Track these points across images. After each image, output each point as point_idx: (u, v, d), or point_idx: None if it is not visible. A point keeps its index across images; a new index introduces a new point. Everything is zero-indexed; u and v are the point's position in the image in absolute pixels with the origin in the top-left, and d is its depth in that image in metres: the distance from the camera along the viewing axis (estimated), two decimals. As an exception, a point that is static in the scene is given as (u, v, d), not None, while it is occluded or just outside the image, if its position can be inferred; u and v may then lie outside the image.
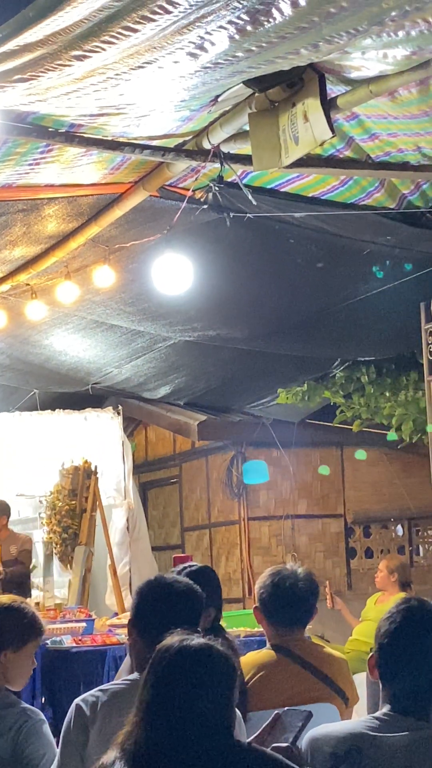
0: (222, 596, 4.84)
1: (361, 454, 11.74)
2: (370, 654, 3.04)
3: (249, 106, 5.21)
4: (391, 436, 10.52)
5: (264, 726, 2.96)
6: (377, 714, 2.95)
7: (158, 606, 3.43)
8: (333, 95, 4.98)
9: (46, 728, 3.82)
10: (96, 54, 3.99)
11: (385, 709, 2.95)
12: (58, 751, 3.47)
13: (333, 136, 4.96)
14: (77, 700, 3.44)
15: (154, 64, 4.20)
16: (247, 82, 4.91)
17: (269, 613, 4.33)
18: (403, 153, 5.75)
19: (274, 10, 3.68)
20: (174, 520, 13.42)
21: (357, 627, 9.20)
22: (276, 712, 3.01)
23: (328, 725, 3.01)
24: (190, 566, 4.73)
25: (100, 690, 3.46)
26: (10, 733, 3.75)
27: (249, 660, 4.33)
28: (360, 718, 3.07)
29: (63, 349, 10.01)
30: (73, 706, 3.43)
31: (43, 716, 3.86)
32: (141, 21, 3.68)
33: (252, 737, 2.92)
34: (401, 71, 4.60)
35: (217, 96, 5.08)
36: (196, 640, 2.61)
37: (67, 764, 3.38)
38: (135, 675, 3.45)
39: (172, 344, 9.69)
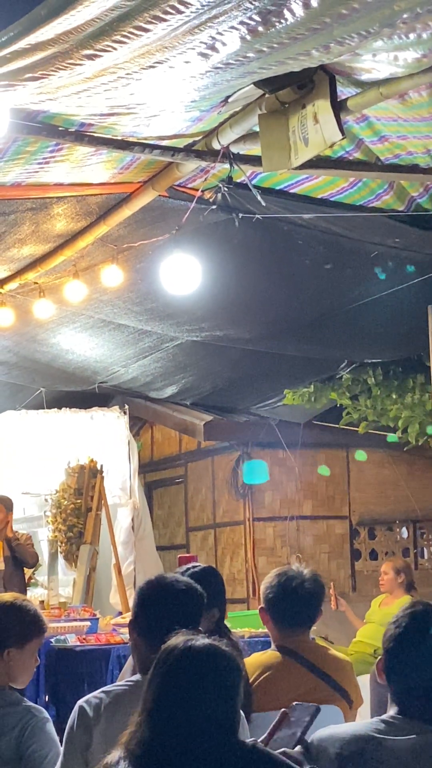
0: (226, 597, 4.84)
1: (361, 455, 11.75)
2: (378, 657, 3.04)
3: (259, 107, 5.21)
4: (392, 437, 10.51)
5: (273, 723, 2.96)
6: (384, 717, 2.95)
7: (159, 606, 3.43)
8: (343, 97, 4.98)
9: (50, 727, 3.82)
10: (107, 53, 3.99)
11: (392, 712, 2.95)
12: (61, 751, 3.47)
13: (343, 138, 4.96)
14: (80, 702, 3.44)
15: (165, 64, 4.20)
16: (258, 83, 4.91)
17: (275, 613, 4.33)
18: (413, 155, 5.75)
19: (285, 11, 3.68)
20: (179, 520, 13.42)
21: (361, 629, 9.20)
22: (283, 709, 3.01)
23: (333, 726, 3.01)
24: (193, 567, 4.73)
25: (103, 692, 3.46)
26: (14, 731, 3.76)
27: (254, 661, 4.33)
28: (365, 720, 3.07)
29: (70, 348, 10.01)
30: (76, 707, 3.43)
31: (47, 714, 3.87)
32: (152, 21, 3.68)
33: (262, 737, 2.92)
34: (412, 74, 4.60)
35: (228, 97, 5.08)
36: (201, 640, 2.61)
37: (71, 766, 3.38)
38: (137, 676, 3.46)
39: (179, 344, 9.69)
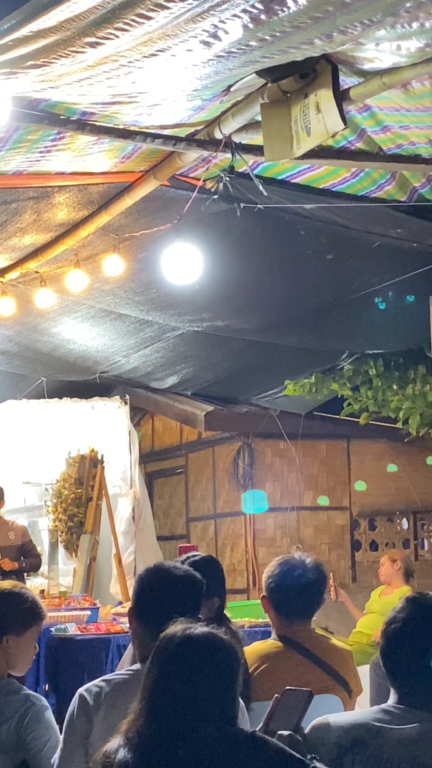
0: (226, 586, 4.84)
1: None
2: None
3: (261, 96, 5.20)
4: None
5: (267, 711, 2.96)
6: (384, 706, 2.95)
7: (158, 594, 3.44)
8: (346, 86, 4.96)
9: (50, 715, 3.83)
10: (109, 41, 3.98)
11: (392, 701, 2.96)
12: (61, 738, 3.47)
13: (345, 128, 4.95)
14: (80, 690, 3.44)
15: (167, 52, 4.19)
16: (260, 72, 4.90)
17: (276, 602, 4.32)
18: (415, 146, 5.74)
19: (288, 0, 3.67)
20: (179, 510, 13.43)
21: (361, 619, 9.21)
22: (276, 696, 3.00)
23: (333, 715, 3.01)
24: (193, 555, 4.73)
25: (104, 680, 3.47)
26: (14, 719, 3.76)
27: (254, 650, 4.32)
28: (366, 709, 3.07)
29: (71, 338, 10.01)
30: (76, 696, 3.43)
31: (46, 702, 3.87)
32: (155, 8, 3.67)
33: (259, 725, 2.92)
34: (414, 63, 4.58)
35: (230, 86, 5.07)
36: (200, 628, 2.62)
37: (71, 754, 3.38)
38: (137, 665, 3.46)
39: (180, 334, 9.69)
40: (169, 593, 3.41)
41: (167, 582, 3.46)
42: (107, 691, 3.39)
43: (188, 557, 4.64)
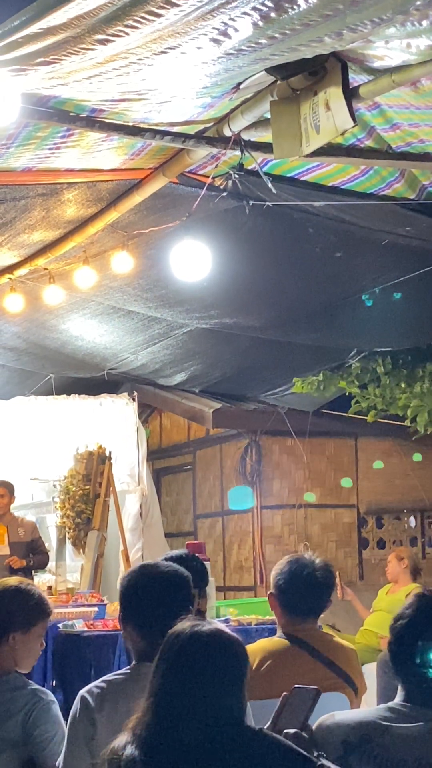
0: (205, 583, 4.74)
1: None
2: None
3: (271, 93, 5.19)
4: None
5: (276, 709, 2.96)
6: (391, 704, 2.96)
7: (142, 594, 3.49)
8: (355, 84, 4.96)
9: (56, 709, 3.83)
10: (119, 38, 3.99)
11: (398, 699, 2.96)
12: (65, 738, 3.48)
13: (354, 126, 4.95)
14: (82, 692, 3.45)
15: (176, 50, 4.19)
16: (270, 70, 4.90)
17: (284, 600, 4.32)
18: (424, 143, 5.73)
19: (298, -3, 3.67)
20: (187, 508, 13.44)
21: (368, 618, 9.21)
22: (284, 694, 3.00)
23: (339, 713, 3.01)
24: (171, 553, 4.70)
25: (104, 681, 3.48)
26: (21, 714, 3.77)
27: (259, 647, 4.31)
28: (372, 707, 3.08)
29: (79, 335, 10.02)
30: (78, 697, 3.44)
31: (53, 697, 3.87)
32: (165, 6, 3.68)
33: (267, 724, 2.93)
34: (424, 61, 4.58)
35: (239, 83, 5.06)
36: (207, 625, 2.62)
37: (75, 755, 3.38)
38: (133, 663, 3.48)
39: (188, 331, 9.69)
40: (153, 592, 3.45)
41: (150, 581, 3.50)
42: (109, 692, 3.40)
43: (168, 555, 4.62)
